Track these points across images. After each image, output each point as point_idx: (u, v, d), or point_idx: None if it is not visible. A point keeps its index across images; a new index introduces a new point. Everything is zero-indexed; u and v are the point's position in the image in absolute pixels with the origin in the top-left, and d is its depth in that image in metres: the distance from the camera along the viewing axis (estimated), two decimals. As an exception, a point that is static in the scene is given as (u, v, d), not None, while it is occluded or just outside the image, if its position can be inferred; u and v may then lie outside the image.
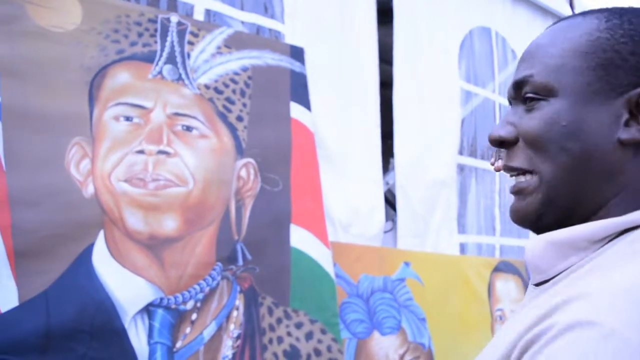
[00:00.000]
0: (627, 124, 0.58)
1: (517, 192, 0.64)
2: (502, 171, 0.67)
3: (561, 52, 0.61)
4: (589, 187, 0.60)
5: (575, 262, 0.57)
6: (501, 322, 2.45)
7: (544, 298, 0.56)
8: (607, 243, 0.56)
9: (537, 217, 0.62)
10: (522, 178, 0.64)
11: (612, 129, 0.58)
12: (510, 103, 0.67)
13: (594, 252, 0.56)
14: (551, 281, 0.58)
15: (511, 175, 0.65)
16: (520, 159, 0.63)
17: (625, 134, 0.58)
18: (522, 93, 0.63)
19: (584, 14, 0.63)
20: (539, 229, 0.63)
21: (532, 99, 0.62)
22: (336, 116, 2.16)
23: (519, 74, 0.64)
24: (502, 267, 2.61)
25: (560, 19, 0.65)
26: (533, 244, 0.60)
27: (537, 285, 0.60)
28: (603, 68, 0.59)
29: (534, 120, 0.61)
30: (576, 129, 0.59)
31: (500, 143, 0.65)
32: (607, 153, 0.58)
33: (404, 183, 2.37)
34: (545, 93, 0.61)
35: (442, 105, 2.58)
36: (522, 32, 3.05)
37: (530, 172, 0.63)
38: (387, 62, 2.45)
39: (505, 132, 0.64)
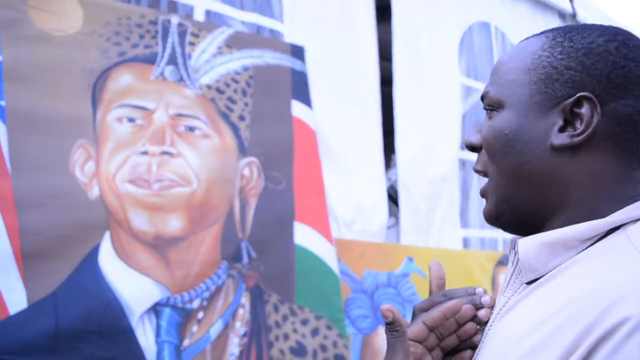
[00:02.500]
0: (561, 130, 0.63)
1: (482, 194, 0.71)
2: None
3: (511, 70, 0.68)
4: (533, 190, 0.65)
5: (564, 260, 0.60)
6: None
7: (542, 295, 0.60)
8: (595, 242, 0.60)
9: (496, 217, 0.68)
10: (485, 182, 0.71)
11: (547, 136, 0.63)
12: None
13: (583, 250, 0.60)
14: (542, 279, 0.61)
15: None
16: (480, 162, 0.70)
17: (557, 140, 0.62)
18: (486, 103, 0.70)
19: (539, 34, 0.69)
20: (504, 227, 0.69)
21: (491, 110, 0.69)
22: (337, 114, 2.17)
23: (484, 89, 0.71)
24: (505, 261, 2.61)
25: (524, 38, 0.71)
26: (526, 244, 0.63)
27: (528, 283, 0.63)
28: (543, 82, 0.64)
29: (487, 129, 0.68)
30: (516, 136, 0.65)
31: (472, 148, 0.71)
32: (543, 158, 0.64)
33: (406, 179, 2.38)
34: (497, 105, 0.68)
35: (442, 101, 2.59)
36: (522, 26, 3.05)
37: (487, 174, 0.69)
38: (387, 59, 2.46)
39: (474, 138, 0.71)
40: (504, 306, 0.65)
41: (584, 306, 0.52)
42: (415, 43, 2.51)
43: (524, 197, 0.65)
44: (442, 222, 2.46)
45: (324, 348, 1.83)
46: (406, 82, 2.44)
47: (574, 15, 3.26)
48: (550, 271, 0.61)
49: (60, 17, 1.60)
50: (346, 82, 2.23)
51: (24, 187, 1.45)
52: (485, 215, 0.71)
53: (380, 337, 2.05)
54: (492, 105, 0.68)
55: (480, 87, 2.87)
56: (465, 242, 2.68)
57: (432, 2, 2.59)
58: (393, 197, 2.53)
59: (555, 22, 3.21)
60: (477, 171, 0.72)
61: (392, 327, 0.66)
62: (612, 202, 0.62)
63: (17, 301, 1.40)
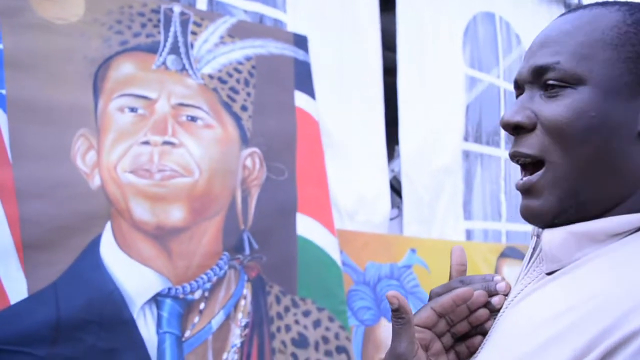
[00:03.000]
0: None
1: (527, 189, 0.62)
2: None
3: (590, 42, 0.60)
4: (608, 182, 0.58)
5: (588, 253, 0.56)
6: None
7: (561, 286, 0.56)
8: (624, 237, 0.56)
9: (557, 214, 0.60)
10: (531, 174, 0.61)
11: (635, 122, 0.58)
12: (519, 87, 0.65)
13: (609, 245, 0.56)
14: (561, 270, 0.58)
15: (518, 162, 0.63)
16: (534, 146, 0.61)
17: None
18: (543, 79, 0.61)
19: (604, 4, 0.62)
20: (551, 226, 0.61)
21: (555, 86, 0.60)
22: (340, 104, 2.16)
23: (540, 60, 0.61)
24: (509, 253, 2.60)
25: (577, 7, 0.64)
26: (552, 234, 0.59)
27: (549, 274, 0.59)
28: (632, 61, 0.58)
29: (560, 108, 0.59)
30: (604, 120, 0.58)
31: (514, 128, 0.62)
32: (628, 147, 0.58)
33: (409, 170, 2.36)
34: (573, 81, 0.59)
35: (446, 91, 2.57)
36: (527, 17, 3.03)
37: (541, 162, 0.60)
38: (391, 50, 2.44)
39: (523, 117, 0.61)
40: (519, 293, 0.62)
41: (602, 307, 0.50)
42: (419, 33, 2.49)
43: (597, 190, 0.58)
44: (445, 214, 2.45)
45: (325, 340, 1.82)
46: (410, 73, 2.42)
47: (579, 6, 3.23)
48: (574, 261, 0.57)
49: (62, 5, 1.59)
50: (349, 73, 2.22)
51: (25, 177, 1.45)
52: (535, 215, 0.61)
53: (383, 329, 2.05)
54: (564, 80, 0.59)
55: (485, 77, 2.85)
56: (468, 234, 2.67)
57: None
58: (396, 188, 2.52)
59: (560, 12, 3.18)
60: (523, 155, 0.61)
61: (398, 314, 0.63)
62: None
63: (18, 291, 1.39)
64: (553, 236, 0.59)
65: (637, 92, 0.58)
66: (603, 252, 0.55)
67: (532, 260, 0.64)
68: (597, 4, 0.63)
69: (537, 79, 0.62)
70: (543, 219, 0.61)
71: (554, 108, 0.59)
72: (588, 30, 0.60)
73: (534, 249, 0.65)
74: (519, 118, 0.61)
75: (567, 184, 0.59)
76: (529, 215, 0.62)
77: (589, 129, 0.58)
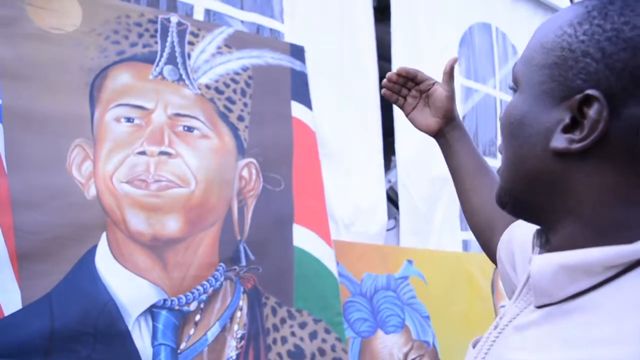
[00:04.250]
0: (565, 131, 0.53)
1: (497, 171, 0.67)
2: None
3: (534, 45, 0.58)
4: (532, 189, 0.57)
5: (586, 286, 0.51)
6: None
7: (568, 330, 0.51)
8: (621, 271, 0.50)
9: (500, 204, 0.63)
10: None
11: (550, 134, 0.54)
12: None
13: (613, 280, 0.50)
14: (561, 306, 0.52)
15: None
16: (500, 142, 0.65)
17: (555, 142, 0.53)
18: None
19: (580, 2, 0.57)
20: (511, 214, 0.64)
21: (513, 89, 0.62)
22: (337, 115, 2.16)
23: (515, 67, 0.64)
24: (505, 264, 2.60)
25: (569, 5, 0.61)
26: (541, 265, 0.54)
27: (539, 307, 0.55)
28: (556, 67, 0.54)
29: (504, 108, 0.63)
30: (519, 126, 0.57)
31: None
32: (543, 159, 0.55)
33: (406, 181, 2.36)
34: (515, 84, 0.61)
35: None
36: (523, 27, 3.04)
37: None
38: (387, 60, 2.44)
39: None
40: (514, 318, 0.57)
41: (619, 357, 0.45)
42: (415, 44, 2.50)
43: (523, 192, 0.58)
44: (442, 225, 2.45)
45: (322, 352, 1.81)
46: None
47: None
48: (567, 298, 0.52)
49: (59, 15, 1.59)
50: (346, 83, 2.22)
51: (20, 187, 1.44)
52: (495, 197, 0.65)
53: (379, 341, 2.04)
54: (514, 82, 0.61)
55: (481, 88, 2.86)
56: (465, 245, 2.66)
57: (433, 2, 2.58)
58: (393, 199, 2.52)
59: (556, 24, 3.19)
60: (499, 150, 0.66)
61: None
62: (637, 226, 0.51)
63: (12, 302, 1.38)
64: (542, 268, 0.54)
65: (557, 102, 0.54)
66: (605, 291, 0.50)
67: (526, 284, 0.60)
68: (581, 1, 0.57)
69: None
70: (497, 202, 0.63)
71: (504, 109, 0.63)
72: (541, 32, 0.58)
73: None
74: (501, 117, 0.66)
75: (504, 178, 0.61)
76: (495, 196, 0.65)
77: (509, 132, 0.59)
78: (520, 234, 0.84)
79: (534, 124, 0.55)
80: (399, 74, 1.08)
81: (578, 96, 0.51)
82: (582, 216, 0.53)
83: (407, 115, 1.12)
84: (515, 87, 0.60)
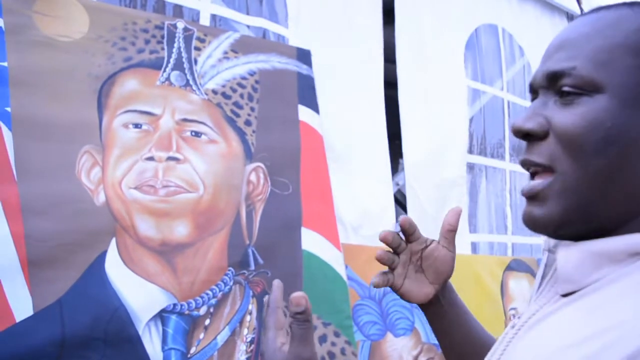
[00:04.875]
0: None
1: (533, 195, 0.59)
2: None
3: (610, 47, 0.55)
4: (619, 197, 0.55)
5: (607, 273, 0.52)
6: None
7: (581, 311, 0.52)
8: None
9: (560, 225, 0.57)
10: (538, 180, 0.59)
11: None
12: (534, 92, 0.63)
13: (630, 266, 0.51)
14: (579, 292, 0.54)
15: (528, 170, 0.61)
16: (544, 154, 0.58)
17: None
18: (558, 85, 0.58)
19: (630, 5, 0.57)
20: (561, 237, 0.59)
21: (570, 93, 0.56)
22: (343, 118, 2.16)
23: (556, 64, 0.58)
24: (515, 266, 2.59)
25: (599, 7, 0.59)
26: (568, 253, 0.55)
27: (564, 295, 0.56)
28: None
29: (574, 116, 0.56)
30: (621, 131, 0.54)
31: (525, 135, 0.59)
32: None
33: (414, 183, 2.36)
34: (590, 88, 0.55)
35: (449, 104, 2.57)
36: (530, 28, 3.03)
37: (551, 170, 0.58)
38: (393, 62, 2.44)
39: (534, 124, 0.58)
40: (533, 314, 0.58)
41: (628, 335, 0.45)
42: (420, 46, 2.49)
43: (607, 204, 0.55)
44: (450, 227, 2.43)
45: (332, 355, 1.81)
46: (412, 86, 2.42)
47: (581, 17, 3.23)
48: (591, 284, 0.53)
49: (66, 23, 1.60)
50: (352, 86, 2.22)
51: (30, 194, 1.45)
52: (538, 222, 0.58)
53: (389, 344, 2.03)
54: (581, 87, 0.55)
55: (488, 89, 2.85)
56: (474, 247, 2.65)
57: (438, 4, 2.58)
58: (401, 202, 2.51)
59: (562, 24, 3.19)
60: (533, 163, 0.59)
61: (303, 316, 0.65)
62: None
63: (23, 309, 1.39)
64: (569, 255, 0.55)
65: None
66: (624, 273, 0.51)
67: (546, 279, 0.60)
68: (622, 3, 0.58)
69: (552, 84, 0.59)
70: (545, 228, 0.58)
71: (568, 116, 0.56)
72: (609, 34, 0.56)
73: (547, 266, 0.62)
74: (530, 125, 0.59)
75: (575, 195, 0.55)
76: (530, 222, 0.59)
77: (604, 140, 0.54)
78: None
79: (638, 128, 0.53)
80: (402, 226, 0.91)
81: None
82: None
83: (396, 291, 0.91)
84: (586, 91, 0.56)
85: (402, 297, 0.91)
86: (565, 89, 0.57)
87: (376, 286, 0.91)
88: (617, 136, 0.54)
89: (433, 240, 0.92)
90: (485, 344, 0.84)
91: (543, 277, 0.62)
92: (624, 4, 0.57)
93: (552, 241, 0.63)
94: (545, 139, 0.58)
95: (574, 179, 0.55)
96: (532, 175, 0.61)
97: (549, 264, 0.62)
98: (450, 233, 0.90)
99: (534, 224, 0.59)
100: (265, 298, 0.65)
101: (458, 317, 0.90)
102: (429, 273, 0.90)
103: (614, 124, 0.54)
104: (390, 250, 0.92)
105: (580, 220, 0.56)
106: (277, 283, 0.67)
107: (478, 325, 0.91)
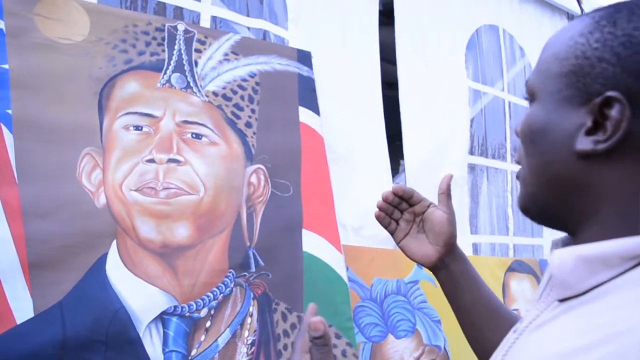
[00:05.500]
0: (589, 133, 0.56)
1: (517, 177, 0.69)
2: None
3: (547, 57, 0.62)
4: (558, 193, 0.60)
5: (605, 278, 0.52)
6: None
7: (580, 318, 0.52)
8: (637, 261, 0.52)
9: (524, 209, 0.65)
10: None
11: (573, 138, 0.57)
12: None
13: (627, 272, 0.52)
14: (580, 298, 0.54)
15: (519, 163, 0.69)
16: (517, 151, 0.67)
17: (580, 144, 0.56)
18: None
19: (589, 14, 0.61)
20: (535, 221, 0.66)
21: (528, 100, 0.65)
22: (344, 120, 2.16)
23: (530, 77, 0.67)
24: (516, 267, 2.59)
25: (576, 18, 0.64)
26: (561, 258, 0.56)
27: (561, 300, 0.56)
28: (573, 75, 0.58)
29: (523, 119, 0.65)
30: (542, 133, 0.60)
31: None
32: (567, 163, 0.58)
33: (415, 184, 2.36)
34: (531, 96, 0.64)
35: (450, 105, 2.57)
36: (531, 29, 3.03)
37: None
38: (393, 63, 2.44)
39: (518, 127, 0.68)
40: (534, 319, 0.58)
41: (627, 346, 0.45)
42: (421, 46, 2.49)
43: (548, 198, 0.61)
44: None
45: (333, 357, 1.81)
46: (412, 87, 2.42)
47: (582, 18, 3.23)
48: (588, 290, 0.53)
49: (67, 25, 1.60)
50: (351, 88, 2.22)
51: (30, 196, 1.45)
52: (518, 203, 0.67)
53: (390, 346, 2.03)
54: (528, 95, 0.65)
55: (489, 90, 2.85)
56: (475, 248, 2.65)
57: (438, 5, 2.58)
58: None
59: (563, 24, 3.18)
60: (516, 161, 0.68)
61: (322, 341, 0.67)
62: None
63: (24, 310, 1.39)
64: (562, 260, 0.55)
65: (577, 107, 0.57)
66: (625, 281, 0.51)
67: (547, 282, 0.61)
68: (587, 13, 0.62)
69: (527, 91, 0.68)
70: (520, 208, 0.66)
71: (521, 119, 0.66)
72: (553, 44, 0.62)
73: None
74: (517, 127, 0.68)
75: (526, 185, 0.64)
76: (519, 203, 0.67)
77: (532, 141, 0.62)
78: None
79: (557, 130, 0.58)
80: (395, 193, 1.00)
81: (598, 99, 0.55)
82: (608, 214, 0.56)
83: (398, 243, 1.02)
84: (531, 99, 0.64)
85: (402, 251, 1.00)
86: (524, 97, 0.67)
87: (377, 218, 1.01)
88: (538, 137, 0.61)
89: (432, 203, 1.00)
90: (495, 311, 0.91)
91: (548, 281, 0.62)
92: (596, 10, 0.60)
93: (560, 242, 0.65)
94: None
95: (525, 172, 0.64)
96: None
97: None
98: (442, 196, 0.98)
99: (518, 204, 0.68)
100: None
101: (467, 283, 0.94)
102: (429, 234, 0.97)
103: (536, 126, 0.61)
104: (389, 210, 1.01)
105: (536, 209, 0.64)
106: (311, 307, 0.70)
107: (489, 293, 0.95)
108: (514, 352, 0.59)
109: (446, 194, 0.98)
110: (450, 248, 0.96)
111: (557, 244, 0.64)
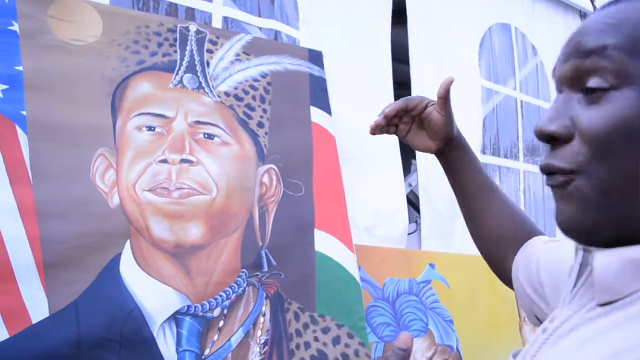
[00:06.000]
0: None
1: (565, 196, 0.54)
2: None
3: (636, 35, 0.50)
4: None
5: None
6: (528, 323, 2.42)
7: (621, 324, 0.49)
8: None
9: (592, 229, 0.53)
10: (566, 178, 0.54)
11: None
12: (559, 88, 0.58)
13: None
14: (621, 301, 0.50)
15: (548, 176, 0.57)
16: (569, 158, 0.53)
17: None
18: (584, 80, 0.53)
19: None
20: (591, 243, 0.54)
21: (596, 90, 0.52)
22: (355, 119, 2.16)
23: (586, 45, 0.53)
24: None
25: (615, 0, 0.54)
26: (606, 261, 0.51)
27: (602, 305, 0.52)
28: None
29: (602, 115, 0.51)
30: None
31: (549, 138, 0.55)
32: None
33: (427, 184, 2.35)
34: (619, 80, 0.50)
35: (463, 104, 2.56)
36: (543, 27, 3.01)
37: (579, 173, 0.53)
38: (404, 62, 2.44)
39: (558, 126, 0.54)
40: (567, 320, 0.55)
41: None
42: (433, 46, 2.49)
43: (632, 211, 0.50)
44: (464, 228, 2.40)
45: (345, 356, 1.81)
46: (425, 86, 2.41)
47: (595, 16, 3.20)
48: (632, 293, 0.49)
49: (80, 27, 1.61)
50: (363, 87, 2.22)
51: (45, 196, 1.46)
52: (571, 224, 0.54)
53: (403, 345, 2.02)
54: (608, 79, 0.51)
55: (501, 89, 2.84)
56: (488, 248, 2.63)
57: (451, 4, 2.57)
58: (414, 203, 2.50)
59: (576, 22, 3.17)
60: (557, 170, 0.54)
61: (404, 353, 0.67)
62: None
63: (39, 310, 1.40)
64: (607, 263, 0.51)
65: None
66: None
67: (580, 281, 0.57)
68: None
69: (577, 79, 0.54)
70: (574, 231, 0.54)
71: (595, 115, 0.52)
72: (636, 24, 0.50)
73: (582, 265, 0.58)
74: (553, 127, 0.54)
75: (607, 197, 0.51)
76: (565, 225, 0.55)
77: (634, 139, 0.49)
78: (544, 252, 0.83)
79: None
80: (386, 116, 1.05)
81: None
82: None
83: (402, 139, 1.10)
84: (614, 85, 0.51)
85: (408, 143, 1.09)
86: (592, 84, 0.52)
87: (372, 134, 1.09)
88: None
89: (430, 103, 1.05)
90: (486, 192, 1.00)
91: (578, 277, 0.58)
92: None
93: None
94: (570, 142, 0.54)
95: (602, 181, 0.52)
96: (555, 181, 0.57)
97: (584, 264, 0.59)
98: (440, 100, 1.01)
99: (568, 225, 0.55)
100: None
101: (461, 166, 1.02)
102: (429, 131, 1.04)
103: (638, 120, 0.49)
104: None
105: (612, 225, 0.52)
106: (406, 335, 0.72)
107: (484, 178, 1.03)
108: (544, 354, 0.56)
109: (444, 97, 1.01)
110: (447, 141, 1.03)
111: (583, 247, 0.59)
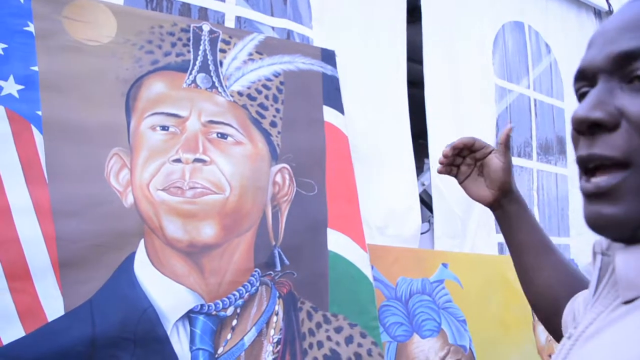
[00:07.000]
0: None
1: (604, 192, 0.52)
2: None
3: None
4: None
5: None
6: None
7: None
8: None
9: (635, 227, 0.50)
10: (608, 177, 0.52)
11: None
12: (586, 78, 0.57)
13: None
14: None
15: (588, 168, 0.54)
16: (617, 147, 0.51)
17: None
18: (629, 68, 0.52)
19: None
20: (628, 241, 0.52)
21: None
22: (368, 119, 2.15)
23: (625, 44, 0.52)
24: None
25: None
26: (627, 258, 0.50)
27: (626, 302, 0.51)
28: None
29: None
30: None
31: (591, 126, 0.53)
32: None
33: (440, 183, 2.34)
34: None
35: (476, 102, 2.55)
36: (556, 25, 2.99)
37: (623, 165, 0.51)
38: (417, 61, 2.43)
39: (604, 114, 0.51)
40: (591, 324, 0.54)
41: None
42: (447, 44, 2.48)
43: None
44: (477, 227, 2.41)
45: (358, 356, 1.81)
46: (438, 84, 2.41)
47: (610, 13, 3.18)
48: None
49: (94, 27, 1.62)
50: (376, 86, 2.22)
51: (60, 196, 1.47)
52: (611, 220, 0.51)
53: (415, 345, 2.02)
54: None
55: (515, 88, 2.82)
56: (501, 248, 2.62)
57: (464, 2, 2.56)
58: (427, 202, 2.50)
59: (590, 20, 3.14)
60: (605, 159, 0.51)
61: (504, 147, 0.96)
62: None
63: (54, 308, 1.42)
64: (629, 259, 0.50)
65: None
66: None
67: (602, 283, 0.56)
68: None
69: (619, 68, 0.53)
70: (620, 229, 0.51)
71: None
72: None
73: (601, 269, 0.58)
74: (598, 115, 0.52)
75: None
76: (603, 223, 0.52)
77: None
78: (582, 299, 0.81)
79: None
80: (455, 148, 1.06)
81: None
82: None
83: (460, 184, 1.11)
84: None
85: (464, 191, 1.09)
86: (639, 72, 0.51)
87: (439, 172, 1.11)
88: None
89: (492, 151, 1.05)
90: (543, 253, 0.96)
91: (598, 282, 0.58)
92: None
93: (605, 243, 0.59)
94: (616, 130, 0.52)
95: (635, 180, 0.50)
96: (591, 172, 0.54)
97: (603, 267, 0.58)
98: (501, 146, 1.02)
99: (605, 224, 0.52)
100: None
101: (519, 223, 1.00)
102: (487, 179, 1.03)
103: None
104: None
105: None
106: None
107: (542, 236, 1.00)
108: (574, 358, 0.55)
109: (504, 144, 1.02)
110: (504, 192, 1.02)
111: (601, 245, 0.59)
